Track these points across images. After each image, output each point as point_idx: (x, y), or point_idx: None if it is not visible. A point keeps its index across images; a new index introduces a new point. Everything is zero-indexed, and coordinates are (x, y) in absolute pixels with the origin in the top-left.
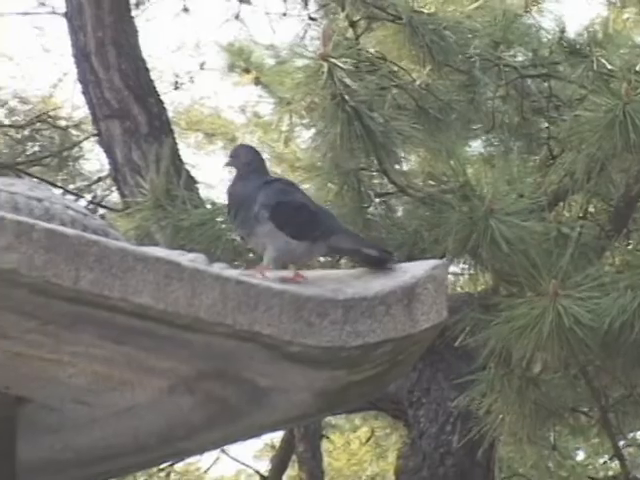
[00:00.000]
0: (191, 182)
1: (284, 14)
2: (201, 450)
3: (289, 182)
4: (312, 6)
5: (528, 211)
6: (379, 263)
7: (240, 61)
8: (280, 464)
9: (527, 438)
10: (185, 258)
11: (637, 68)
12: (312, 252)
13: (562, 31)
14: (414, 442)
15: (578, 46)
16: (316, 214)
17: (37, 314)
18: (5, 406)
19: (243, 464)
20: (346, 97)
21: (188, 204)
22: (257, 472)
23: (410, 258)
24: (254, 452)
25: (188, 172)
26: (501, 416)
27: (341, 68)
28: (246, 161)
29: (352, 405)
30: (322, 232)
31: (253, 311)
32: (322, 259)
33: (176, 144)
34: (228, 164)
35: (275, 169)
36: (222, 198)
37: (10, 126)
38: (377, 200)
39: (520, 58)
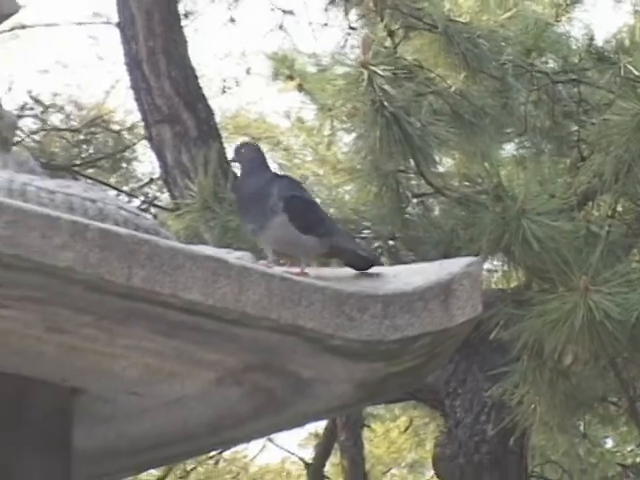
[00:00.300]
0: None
1: (325, 24)
2: (248, 439)
3: (296, 179)
4: (352, 16)
5: (558, 211)
6: (366, 266)
7: (284, 69)
8: (323, 452)
9: (558, 427)
10: (232, 256)
11: None
12: (317, 247)
13: (591, 39)
14: (450, 431)
15: (606, 53)
16: (323, 212)
17: (91, 309)
18: (61, 397)
19: (288, 452)
20: (385, 103)
21: (235, 206)
22: (302, 459)
23: (446, 255)
24: (299, 440)
25: (235, 174)
26: (533, 406)
27: (380, 75)
28: (250, 157)
29: (391, 396)
30: (327, 229)
31: (297, 306)
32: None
33: (223, 148)
34: (233, 160)
35: (318, 171)
36: None
37: (66, 130)
38: (415, 200)
39: (551, 65)
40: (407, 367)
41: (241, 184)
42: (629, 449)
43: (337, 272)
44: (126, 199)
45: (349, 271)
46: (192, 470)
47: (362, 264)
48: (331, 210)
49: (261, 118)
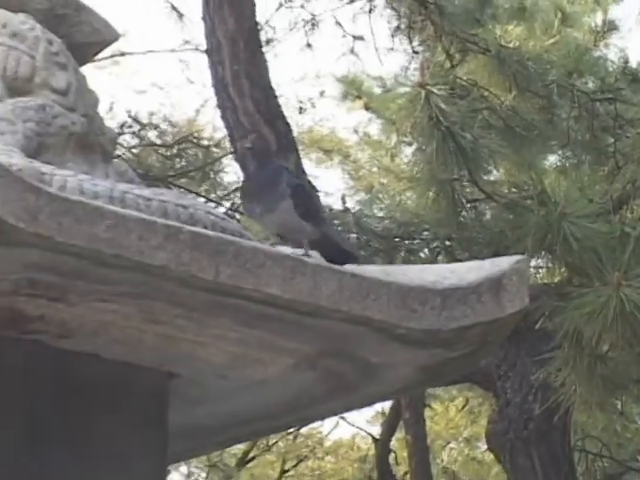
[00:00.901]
0: (314, 191)
1: (391, 49)
2: (322, 417)
3: (301, 170)
4: (415, 42)
5: (596, 214)
6: (345, 259)
7: (353, 90)
8: (389, 428)
9: (597, 406)
10: (313, 257)
11: None
12: (312, 233)
13: (625, 62)
14: (501, 409)
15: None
16: (321, 204)
17: (183, 303)
18: (158, 381)
19: (358, 428)
20: (440, 118)
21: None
22: (370, 435)
23: (496, 254)
24: (368, 418)
25: (311, 184)
26: (574, 387)
27: (436, 94)
28: (262, 150)
29: (449, 378)
30: (321, 219)
31: (365, 300)
32: None
33: (300, 159)
34: (247, 149)
35: (382, 180)
36: (338, 204)
37: (161, 145)
38: (468, 206)
39: (590, 85)
40: (463, 353)
41: (255, 173)
42: None
43: (401, 268)
44: (214, 205)
45: (412, 267)
46: (273, 444)
47: (342, 257)
48: (394, 214)
49: (332, 133)
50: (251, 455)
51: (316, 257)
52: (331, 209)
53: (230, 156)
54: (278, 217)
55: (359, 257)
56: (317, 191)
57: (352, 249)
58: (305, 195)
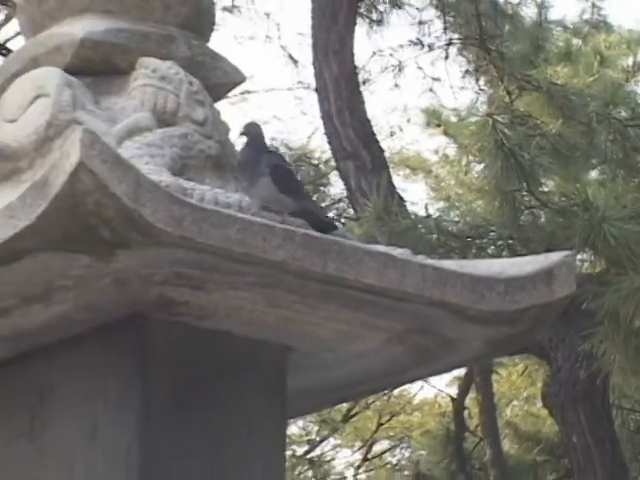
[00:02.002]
0: (401, 201)
1: (462, 87)
2: (410, 381)
3: (282, 155)
4: (481, 81)
5: (629, 217)
6: (326, 228)
7: (434, 119)
8: (464, 390)
9: (631, 371)
10: (396, 252)
11: None
12: (290, 206)
13: None
14: (554, 374)
15: None
16: (299, 183)
17: (299, 291)
18: (279, 354)
19: (439, 390)
20: (504, 142)
21: (399, 216)
22: (449, 395)
23: (549, 250)
24: (447, 381)
25: (399, 195)
26: (612, 356)
27: (500, 122)
28: (253, 133)
29: (511, 350)
30: (300, 195)
31: (444, 287)
32: None
33: (390, 176)
34: (242, 134)
35: (458, 191)
36: (422, 211)
37: None
38: (526, 211)
39: (623, 114)
40: (522, 330)
41: (245, 152)
42: None
43: (472, 262)
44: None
45: (481, 261)
46: (371, 403)
47: (323, 227)
48: (467, 219)
49: (417, 154)
50: (353, 412)
51: (406, 254)
52: (416, 215)
53: (335, 173)
54: (259, 191)
55: (337, 227)
56: (295, 173)
57: (330, 220)
58: (284, 173)
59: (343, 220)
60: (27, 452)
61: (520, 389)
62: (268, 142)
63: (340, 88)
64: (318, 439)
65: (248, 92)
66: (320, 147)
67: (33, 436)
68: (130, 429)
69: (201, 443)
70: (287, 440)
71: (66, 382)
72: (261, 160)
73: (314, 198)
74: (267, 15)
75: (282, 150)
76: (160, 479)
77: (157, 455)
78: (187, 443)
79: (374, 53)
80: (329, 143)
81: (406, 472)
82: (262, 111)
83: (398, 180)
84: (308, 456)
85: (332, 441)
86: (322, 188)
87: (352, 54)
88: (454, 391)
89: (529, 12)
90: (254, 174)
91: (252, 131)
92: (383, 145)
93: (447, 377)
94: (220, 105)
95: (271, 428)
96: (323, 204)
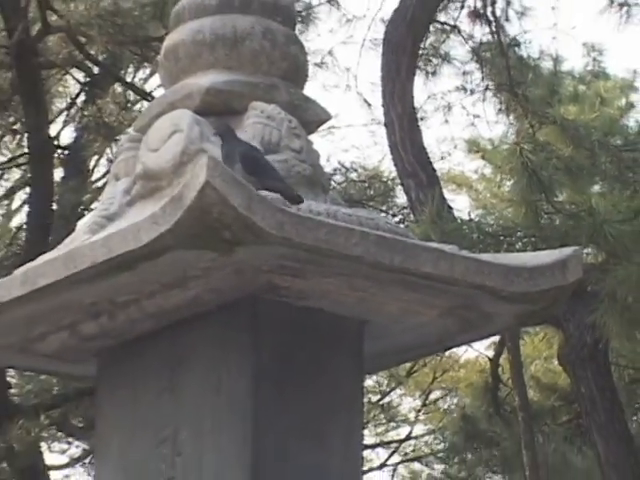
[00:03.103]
0: (449, 209)
1: (496, 121)
2: (457, 345)
3: (253, 145)
4: (511, 116)
5: (624, 220)
6: (291, 200)
7: (474, 147)
8: (498, 352)
9: (625, 337)
10: (447, 247)
11: None
12: (257, 185)
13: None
14: (567, 340)
15: None
16: (261, 165)
17: (372, 278)
18: (357, 325)
19: (480, 352)
20: (529, 164)
21: (448, 220)
22: (487, 356)
23: (562, 245)
24: (485, 346)
25: (448, 204)
26: (611, 326)
27: (526, 149)
28: (225, 130)
29: (534, 321)
30: (266, 175)
31: (482, 274)
32: None
33: (441, 190)
34: (216, 134)
35: (492, 202)
36: (465, 216)
37: (358, 181)
38: (545, 216)
39: (619, 142)
40: (542, 306)
41: (222, 147)
42: None
43: (504, 255)
44: (390, 218)
45: (510, 254)
46: (428, 362)
47: (290, 200)
48: (500, 222)
49: (462, 174)
50: (414, 369)
51: (453, 249)
52: (461, 219)
53: (400, 188)
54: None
55: (302, 199)
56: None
57: (295, 195)
58: (251, 159)
59: (407, 223)
60: (169, 403)
61: (541, 351)
62: (348, 165)
63: (403, 124)
64: (387, 389)
65: (333, 127)
66: (388, 169)
67: (173, 391)
68: (246, 384)
69: (299, 396)
70: (364, 391)
71: (197, 349)
72: (235, 151)
73: (382, 207)
74: (347, 69)
75: (359, 171)
76: (268, 422)
77: (266, 405)
78: (288, 397)
79: (429, 97)
80: (395, 166)
81: (454, 414)
82: (344, 142)
83: (447, 193)
84: (380, 402)
85: (398, 391)
86: (390, 200)
87: (412, 98)
88: (491, 353)
89: (547, 65)
90: (232, 163)
91: (223, 129)
92: (435, 167)
93: (485, 342)
94: (312, 137)
95: (353, 382)
96: (390, 211)
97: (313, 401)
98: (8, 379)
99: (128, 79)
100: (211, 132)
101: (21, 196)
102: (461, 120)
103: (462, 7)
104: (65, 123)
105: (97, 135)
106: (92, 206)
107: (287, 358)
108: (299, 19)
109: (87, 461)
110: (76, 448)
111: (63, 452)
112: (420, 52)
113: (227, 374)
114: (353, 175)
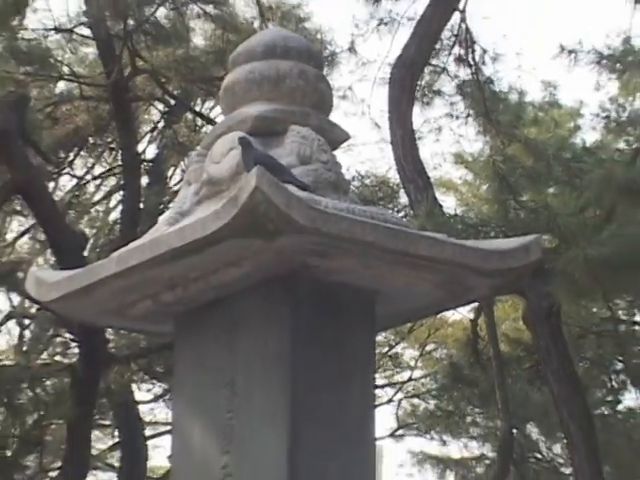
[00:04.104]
0: (440, 207)
1: (476, 140)
2: (448, 310)
3: (267, 154)
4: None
5: (571, 214)
6: (301, 188)
7: (459, 159)
8: (477, 315)
9: (572, 303)
10: (439, 236)
11: None
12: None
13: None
14: (529, 305)
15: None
16: (274, 165)
17: (381, 259)
18: (371, 295)
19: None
20: (500, 171)
21: (439, 215)
22: (469, 318)
23: (525, 234)
24: (467, 310)
25: (439, 203)
26: (563, 296)
27: (497, 160)
28: (245, 142)
29: (505, 292)
30: (279, 173)
31: (465, 256)
32: None
33: (434, 192)
34: (239, 143)
35: (473, 200)
36: (452, 212)
37: (370, 186)
38: (512, 211)
39: (568, 156)
40: (511, 280)
41: (242, 155)
42: None
43: (483, 241)
44: (395, 214)
45: (487, 241)
46: (424, 322)
47: (300, 188)
48: (479, 216)
49: (449, 180)
50: (414, 327)
51: (444, 237)
52: (449, 214)
53: (402, 191)
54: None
55: (310, 188)
56: (279, 164)
57: (303, 184)
58: (267, 162)
59: (407, 217)
60: (228, 356)
61: (509, 314)
62: (364, 172)
63: (405, 142)
64: (393, 343)
65: (352, 145)
66: (393, 176)
67: (231, 347)
68: (286, 341)
69: (326, 349)
70: (376, 344)
71: (248, 313)
72: (251, 156)
73: (389, 205)
74: (362, 100)
75: (371, 178)
76: (303, 370)
77: (301, 357)
78: (318, 350)
79: (424, 121)
80: (398, 174)
81: (444, 362)
82: (360, 156)
83: (438, 195)
84: (388, 353)
85: (402, 344)
86: (395, 200)
87: (411, 123)
88: (472, 315)
89: (513, 97)
90: (251, 166)
91: (241, 141)
92: (429, 174)
93: (468, 308)
94: (336, 152)
95: (367, 338)
96: (395, 209)
97: (337, 352)
98: (107, 336)
99: (197, 109)
100: (260, 148)
101: (116, 197)
102: (449, 139)
103: (449, 54)
104: (149, 142)
105: (173, 151)
106: (169, 205)
107: (317, 320)
108: (326, 63)
109: (167, 398)
110: (158, 388)
111: (148, 391)
112: (417, 88)
113: (271, 334)
114: (367, 181)
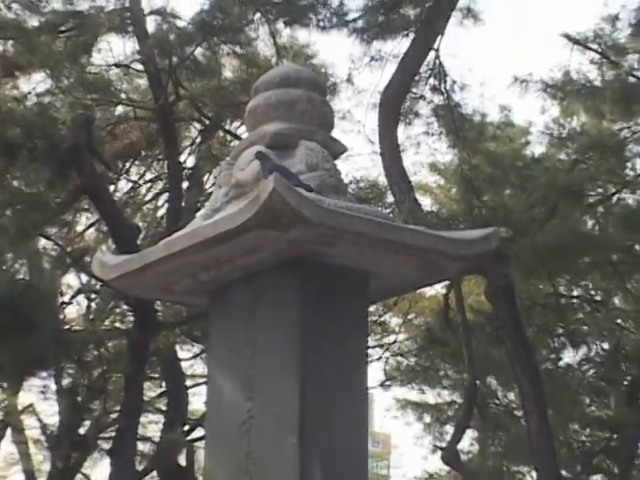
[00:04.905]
0: (419, 205)
1: (447, 152)
2: (424, 286)
3: (282, 165)
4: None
5: (524, 211)
6: (306, 189)
7: (434, 168)
8: (448, 290)
9: (525, 280)
10: (419, 228)
11: None
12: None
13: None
14: (490, 283)
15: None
16: (286, 172)
17: (374, 246)
18: (366, 275)
19: (436, 290)
20: (467, 176)
21: (419, 211)
22: (442, 294)
23: (487, 226)
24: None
25: (418, 201)
26: (516, 275)
27: (465, 169)
28: (262, 156)
29: (471, 272)
30: (289, 178)
31: (440, 244)
32: None
33: (414, 193)
34: (256, 157)
35: (444, 200)
36: (429, 209)
37: (362, 188)
38: (476, 209)
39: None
40: (475, 263)
41: (260, 167)
42: None
43: (450, 232)
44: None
45: (454, 232)
46: (407, 297)
47: (305, 189)
48: (449, 213)
49: (427, 183)
50: (398, 300)
51: (423, 229)
52: (427, 211)
53: (389, 192)
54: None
55: (312, 188)
56: (291, 173)
57: (308, 186)
58: (279, 170)
59: (393, 214)
60: (250, 324)
61: (474, 290)
62: (359, 178)
63: (391, 154)
64: (382, 313)
65: (349, 156)
66: (382, 181)
67: (253, 316)
68: (298, 311)
69: (329, 320)
70: (368, 314)
71: (266, 290)
72: (269, 166)
73: (379, 204)
74: (358, 121)
75: (365, 182)
76: (311, 332)
77: (308, 325)
78: (322, 321)
79: (407, 137)
80: (386, 178)
81: (423, 327)
82: (356, 165)
83: (418, 195)
84: (377, 321)
85: (389, 314)
86: (383, 199)
87: (397, 138)
88: (444, 291)
89: (477, 118)
90: (267, 174)
91: (258, 155)
92: (411, 179)
93: (441, 285)
94: (337, 162)
95: (362, 310)
96: (383, 207)
97: (338, 319)
98: (156, 307)
99: (227, 127)
100: (276, 159)
101: (163, 198)
102: (426, 151)
103: (426, 84)
104: (189, 154)
105: (208, 161)
106: (205, 204)
107: (322, 294)
108: (329, 91)
109: (203, 356)
110: (197, 348)
111: (189, 350)
112: (401, 111)
113: (285, 304)
114: (361, 185)
